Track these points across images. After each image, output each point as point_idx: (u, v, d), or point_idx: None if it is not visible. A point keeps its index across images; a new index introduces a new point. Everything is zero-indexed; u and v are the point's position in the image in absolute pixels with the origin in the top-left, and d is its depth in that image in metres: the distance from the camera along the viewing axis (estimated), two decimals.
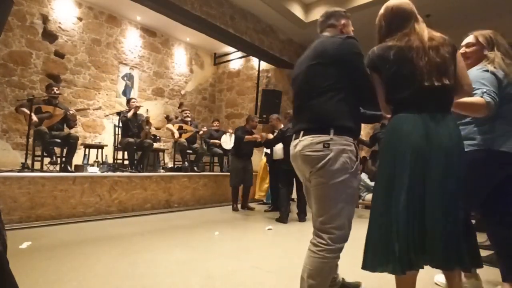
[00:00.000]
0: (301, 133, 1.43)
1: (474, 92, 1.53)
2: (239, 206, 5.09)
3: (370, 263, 1.33)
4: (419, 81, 1.27)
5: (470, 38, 1.86)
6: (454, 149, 1.26)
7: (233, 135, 6.43)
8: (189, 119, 6.00)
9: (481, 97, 1.53)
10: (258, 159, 6.37)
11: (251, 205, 5.27)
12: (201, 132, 5.95)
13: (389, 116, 1.42)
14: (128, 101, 5.33)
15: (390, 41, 1.35)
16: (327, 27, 1.59)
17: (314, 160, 1.37)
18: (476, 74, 1.63)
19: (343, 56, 1.38)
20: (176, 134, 5.72)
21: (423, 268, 1.27)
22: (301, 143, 1.42)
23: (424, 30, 1.34)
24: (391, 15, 1.40)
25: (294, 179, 4.34)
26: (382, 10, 1.44)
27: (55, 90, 4.36)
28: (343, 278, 1.85)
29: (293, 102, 1.56)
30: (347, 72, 1.38)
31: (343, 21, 1.58)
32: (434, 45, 1.30)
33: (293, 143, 1.49)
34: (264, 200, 5.95)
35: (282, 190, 4.36)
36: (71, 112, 4.42)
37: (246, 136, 4.88)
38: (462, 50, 1.83)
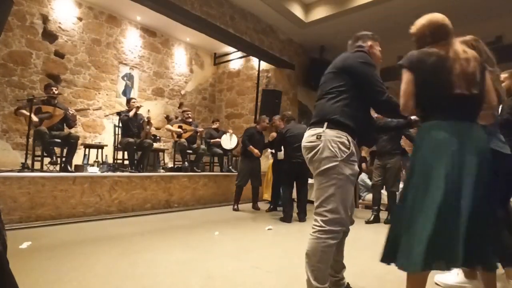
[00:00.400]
0: (310, 127, 1.67)
1: None
2: (240, 206, 5.09)
3: (387, 256, 1.38)
4: (451, 89, 1.36)
5: None
6: (485, 156, 1.34)
7: (233, 135, 6.43)
8: (190, 119, 6.01)
9: None
10: (266, 160, 6.39)
11: (260, 205, 5.29)
12: (200, 129, 5.96)
13: (406, 115, 1.57)
14: (128, 101, 5.33)
15: (431, 48, 1.45)
16: (355, 47, 1.76)
17: (308, 150, 1.62)
18: None
19: (348, 65, 1.61)
20: (177, 130, 5.72)
21: (449, 269, 1.30)
22: (305, 136, 1.67)
23: (459, 44, 1.47)
24: (437, 27, 1.50)
25: (295, 180, 4.36)
26: (425, 22, 1.53)
27: (53, 90, 4.35)
28: (348, 283, 1.84)
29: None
30: (353, 78, 1.58)
31: (369, 43, 1.76)
32: (466, 57, 1.40)
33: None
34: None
35: (284, 191, 4.38)
36: (71, 112, 4.42)
37: (250, 147, 5.00)
38: None
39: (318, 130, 1.58)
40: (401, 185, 5.87)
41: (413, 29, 1.57)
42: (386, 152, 4.33)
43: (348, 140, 1.55)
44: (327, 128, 1.56)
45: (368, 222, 4.38)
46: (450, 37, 1.47)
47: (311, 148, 1.59)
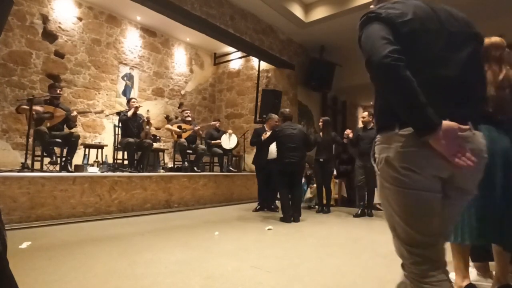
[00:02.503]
0: (470, 123, 0.99)
1: None
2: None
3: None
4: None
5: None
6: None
7: (233, 135, 6.43)
8: (189, 119, 6.01)
9: None
10: None
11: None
12: (197, 127, 5.94)
13: None
14: (129, 101, 5.33)
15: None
16: None
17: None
18: None
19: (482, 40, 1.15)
20: (176, 130, 5.72)
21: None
22: (480, 139, 1.02)
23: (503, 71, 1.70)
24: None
25: (289, 180, 4.41)
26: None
27: (58, 91, 4.36)
28: None
29: (434, 63, 1.01)
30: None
31: None
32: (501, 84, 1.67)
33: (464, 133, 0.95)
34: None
35: (281, 191, 4.38)
36: (73, 114, 4.42)
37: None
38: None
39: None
40: None
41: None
42: (368, 154, 4.59)
43: None
44: None
45: (356, 216, 4.77)
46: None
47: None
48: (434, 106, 0.92)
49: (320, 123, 5.29)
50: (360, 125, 5.30)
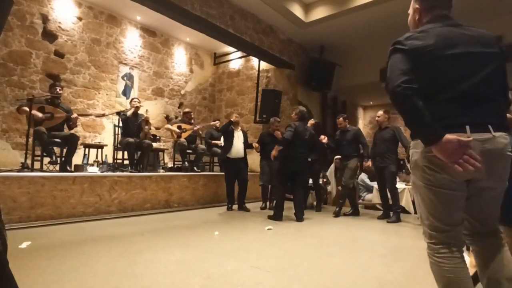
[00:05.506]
0: (490, 127, 1.16)
1: None
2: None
3: None
4: None
5: None
6: None
7: None
8: (192, 121, 6.02)
9: None
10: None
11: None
12: (197, 127, 5.93)
13: None
14: (131, 100, 5.34)
15: None
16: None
17: (510, 162, 1.23)
18: None
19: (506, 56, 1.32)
20: (176, 130, 5.72)
21: None
22: (500, 140, 1.17)
23: None
24: None
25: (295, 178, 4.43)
26: None
27: (58, 90, 4.35)
28: None
29: (453, 82, 1.20)
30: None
31: None
32: None
33: (481, 136, 1.15)
34: None
35: (277, 189, 4.41)
36: (73, 116, 4.41)
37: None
38: None
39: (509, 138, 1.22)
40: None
41: None
42: (347, 155, 4.88)
43: None
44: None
45: (335, 213, 4.87)
46: None
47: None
48: (456, 116, 1.17)
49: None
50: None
